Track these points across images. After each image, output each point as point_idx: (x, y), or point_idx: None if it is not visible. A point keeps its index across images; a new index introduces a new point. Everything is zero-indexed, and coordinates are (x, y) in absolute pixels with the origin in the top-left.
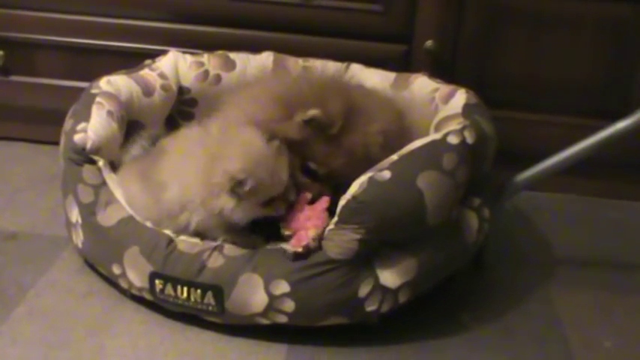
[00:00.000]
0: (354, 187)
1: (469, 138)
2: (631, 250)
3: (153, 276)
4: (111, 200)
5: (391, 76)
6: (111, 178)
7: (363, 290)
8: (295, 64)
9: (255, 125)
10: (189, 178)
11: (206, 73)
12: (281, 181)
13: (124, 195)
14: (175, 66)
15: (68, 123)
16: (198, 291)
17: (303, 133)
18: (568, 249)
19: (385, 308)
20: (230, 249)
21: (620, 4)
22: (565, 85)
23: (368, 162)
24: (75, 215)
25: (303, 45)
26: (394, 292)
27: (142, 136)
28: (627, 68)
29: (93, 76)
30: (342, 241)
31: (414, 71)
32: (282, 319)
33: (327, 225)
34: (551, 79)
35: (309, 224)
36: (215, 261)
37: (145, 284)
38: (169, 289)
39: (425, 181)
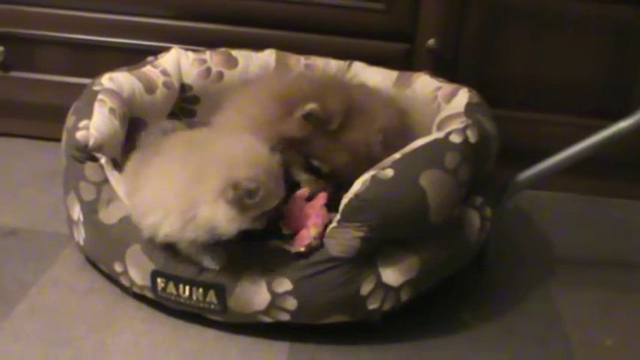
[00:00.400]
0: (357, 185)
1: (472, 137)
2: (632, 250)
3: (155, 274)
4: (113, 198)
5: (393, 74)
6: (113, 176)
7: (365, 288)
8: (297, 61)
9: (257, 126)
10: (168, 184)
11: (208, 70)
12: (282, 193)
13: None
14: (178, 63)
15: (70, 120)
16: (200, 289)
17: (303, 130)
18: (569, 248)
19: (387, 306)
20: (232, 247)
21: (621, 6)
22: (567, 85)
23: (370, 161)
24: (76, 212)
25: (306, 43)
26: (396, 291)
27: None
28: (628, 69)
29: (94, 72)
30: (344, 239)
31: (416, 70)
32: (285, 317)
33: (328, 222)
34: (553, 78)
35: (309, 223)
36: None
37: (147, 282)
38: (171, 288)
39: (427, 180)
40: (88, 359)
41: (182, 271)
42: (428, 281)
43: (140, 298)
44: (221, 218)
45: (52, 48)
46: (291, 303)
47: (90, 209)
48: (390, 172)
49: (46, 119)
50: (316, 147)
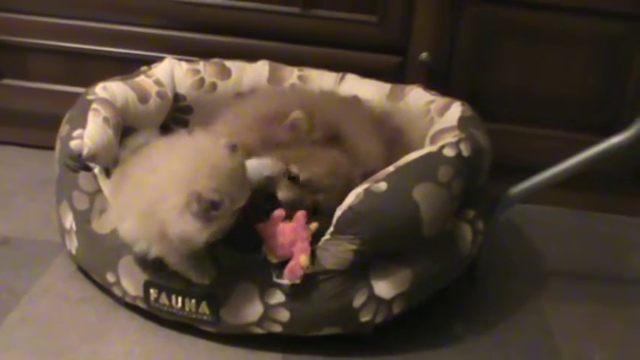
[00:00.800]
0: (351, 198)
1: (465, 151)
2: (621, 264)
3: (147, 285)
4: (105, 208)
5: (386, 87)
6: (105, 185)
7: (358, 301)
8: (290, 73)
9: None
10: (135, 206)
11: (202, 80)
12: (248, 192)
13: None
14: (171, 73)
15: (64, 129)
16: (193, 300)
17: (289, 137)
18: (560, 261)
19: (379, 319)
20: (225, 258)
21: (612, 21)
22: (558, 99)
23: (348, 190)
24: (69, 222)
25: (299, 54)
26: (388, 303)
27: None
28: (619, 83)
29: (87, 81)
30: (337, 252)
31: (408, 83)
32: (277, 328)
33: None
34: (544, 93)
35: (295, 249)
36: None
37: (140, 293)
38: (164, 299)
39: (421, 193)
40: None
41: (175, 282)
42: (420, 294)
43: (133, 308)
44: (191, 230)
45: (45, 56)
46: (284, 315)
47: (83, 219)
48: (383, 185)
49: (38, 127)
50: (297, 152)
